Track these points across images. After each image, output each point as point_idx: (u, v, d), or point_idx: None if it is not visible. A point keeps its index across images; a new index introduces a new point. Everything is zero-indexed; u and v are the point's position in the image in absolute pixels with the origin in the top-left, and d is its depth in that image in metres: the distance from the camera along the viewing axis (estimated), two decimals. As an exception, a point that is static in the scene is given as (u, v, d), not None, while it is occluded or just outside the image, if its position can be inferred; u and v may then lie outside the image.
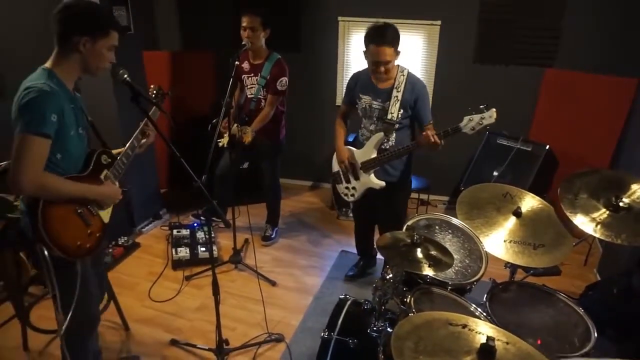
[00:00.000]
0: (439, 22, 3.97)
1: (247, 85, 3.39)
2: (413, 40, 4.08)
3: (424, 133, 2.47)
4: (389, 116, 2.65)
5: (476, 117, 2.39)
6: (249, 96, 3.40)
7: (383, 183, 2.78)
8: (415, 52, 4.13)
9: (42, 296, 2.89)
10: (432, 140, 2.41)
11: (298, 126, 4.40)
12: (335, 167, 3.00)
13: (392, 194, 2.85)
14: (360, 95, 2.76)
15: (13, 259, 2.45)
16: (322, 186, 4.89)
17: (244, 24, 3.13)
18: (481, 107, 2.40)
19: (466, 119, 2.41)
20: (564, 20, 3.67)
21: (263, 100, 3.35)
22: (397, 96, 2.62)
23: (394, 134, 2.72)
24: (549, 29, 3.74)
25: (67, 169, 1.75)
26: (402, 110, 2.65)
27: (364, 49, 2.59)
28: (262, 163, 3.59)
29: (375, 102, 2.71)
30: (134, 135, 2.03)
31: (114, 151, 2.02)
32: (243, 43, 3.13)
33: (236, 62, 3.02)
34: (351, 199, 2.95)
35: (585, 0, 3.58)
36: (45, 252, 1.69)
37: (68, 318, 1.79)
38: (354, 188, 2.90)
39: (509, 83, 3.94)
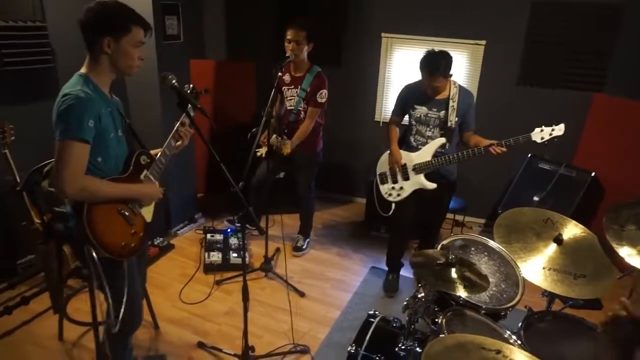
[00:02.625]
0: (483, 42, 3.92)
1: (287, 97, 3.45)
2: (456, 59, 4.02)
3: (490, 148, 2.68)
4: (449, 123, 2.86)
5: (547, 129, 2.61)
6: (288, 108, 3.45)
7: (435, 185, 2.95)
8: (458, 71, 4.08)
9: (80, 289, 3.00)
10: (499, 152, 2.68)
11: (336, 140, 4.42)
12: (382, 168, 3.16)
13: (441, 195, 3.05)
14: (415, 106, 2.96)
15: (56, 251, 2.55)
16: (356, 201, 4.87)
17: (288, 37, 3.19)
18: (554, 121, 2.63)
19: (537, 129, 2.62)
20: (614, 45, 3.55)
21: (302, 112, 3.39)
22: (453, 105, 2.85)
23: (452, 140, 2.94)
24: (598, 53, 3.62)
25: (108, 171, 1.80)
26: (457, 118, 2.87)
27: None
28: (298, 174, 3.62)
29: (431, 112, 2.92)
30: (171, 135, 2.05)
31: (153, 152, 2.06)
32: (287, 55, 3.19)
33: (279, 74, 3.08)
34: (397, 198, 3.06)
35: (637, 25, 3.46)
36: (93, 253, 1.74)
37: (121, 314, 1.85)
38: (401, 188, 3.05)
39: (553, 106, 3.83)
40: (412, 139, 3.04)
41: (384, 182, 3.14)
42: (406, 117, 3.10)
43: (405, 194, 3.03)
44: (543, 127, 2.61)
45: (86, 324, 2.70)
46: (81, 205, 1.70)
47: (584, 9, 3.54)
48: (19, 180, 2.64)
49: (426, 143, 2.96)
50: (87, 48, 1.74)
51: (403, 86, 3.08)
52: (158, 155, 2.01)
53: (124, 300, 1.84)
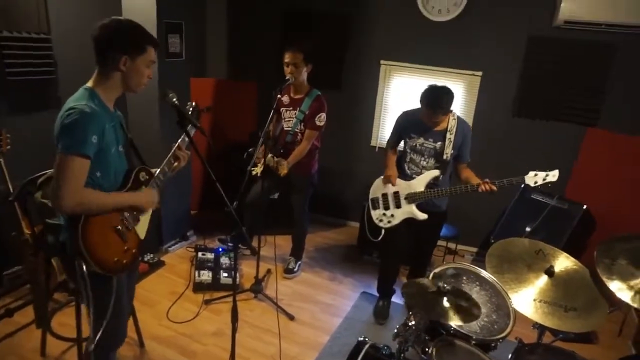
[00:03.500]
0: (480, 73, 4.00)
1: (284, 118, 3.48)
2: (453, 89, 4.10)
3: (481, 184, 2.72)
4: (445, 156, 2.87)
5: (541, 174, 2.66)
6: (285, 129, 3.48)
7: (425, 216, 2.95)
8: (454, 101, 4.14)
9: (66, 303, 2.95)
10: (488, 189, 2.72)
11: (331, 163, 4.45)
12: (374, 193, 3.15)
13: (432, 225, 3.04)
14: (412, 134, 2.97)
15: (45, 264, 2.52)
16: (349, 224, 4.87)
17: (286, 60, 3.25)
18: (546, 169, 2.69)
19: (532, 173, 2.68)
20: (608, 81, 3.64)
21: (299, 134, 3.42)
22: (450, 138, 2.86)
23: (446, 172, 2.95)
24: (593, 88, 3.70)
25: (107, 186, 1.78)
26: (453, 150, 2.88)
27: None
28: (292, 195, 3.63)
29: (427, 142, 2.93)
30: (171, 153, 2.06)
31: (153, 170, 2.06)
32: (287, 78, 3.23)
33: (278, 95, 3.12)
34: (387, 225, 3.06)
35: (632, 60, 3.55)
36: (84, 267, 1.72)
37: (100, 331, 1.81)
38: (392, 215, 3.04)
39: (547, 139, 3.90)
40: (406, 167, 3.05)
41: (375, 207, 3.13)
42: (401, 143, 3.14)
43: (395, 221, 3.03)
44: (537, 172, 2.67)
45: (70, 339, 2.65)
46: (77, 219, 1.68)
47: (579, 45, 3.63)
48: (12, 190, 2.62)
49: (420, 172, 2.97)
50: (98, 62, 1.74)
51: (401, 112, 3.10)
52: (157, 173, 2.01)
53: (107, 316, 1.81)
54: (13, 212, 2.55)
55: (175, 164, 2.08)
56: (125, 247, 1.88)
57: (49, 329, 2.65)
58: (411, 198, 2.96)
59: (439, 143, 2.89)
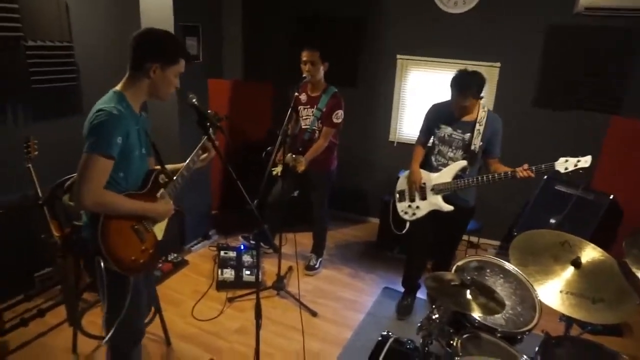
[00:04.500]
0: (498, 64, 3.95)
1: (302, 117, 3.49)
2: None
3: (518, 169, 2.60)
4: (472, 147, 2.80)
5: (572, 160, 2.53)
6: (303, 127, 3.49)
7: (451, 207, 2.89)
8: (484, 86, 4.09)
9: (95, 303, 3.02)
10: (526, 175, 2.58)
11: (349, 160, 4.44)
12: (401, 185, 3.13)
13: (457, 219, 2.98)
14: (440, 125, 2.91)
15: (74, 265, 2.59)
16: (369, 220, 4.86)
17: (304, 58, 3.26)
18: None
19: (562, 159, 2.55)
20: (630, 68, 3.54)
21: (317, 132, 3.43)
22: (479, 129, 2.79)
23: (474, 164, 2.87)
24: (614, 75, 3.61)
25: (128, 186, 1.84)
26: (481, 142, 2.80)
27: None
28: (312, 193, 3.64)
29: (455, 133, 2.87)
30: (194, 153, 2.08)
31: (173, 166, 2.10)
32: (304, 76, 3.25)
33: (295, 93, 3.14)
34: (412, 217, 3.03)
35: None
36: (102, 264, 1.77)
37: (113, 328, 1.84)
38: (417, 207, 3.01)
39: (570, 129, 3.82)
40: (433, 159, 3.00)
41: (401, 199, 3.12)
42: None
43: (420, 213, 3.00)
44: (568, 157, 2.54)
45: (100, 337, 2.71)
46: (97, 217, 1.74)
47: (599, 33, 3.55)
48: (40, 194, 2.70)
49: (447, 164, 2.91)
50: (130, 67, 1.80)
51: (430, 105, 3.05)
52: (176, 176, 2.05)
53: (122, 314, 1.83)
54: (43, 215, 2.63)
55: (205, 155, 2.11)
56: (143, 247, 1.92)
57: (79, 328, 2.72)
58: (438, 189, 2.91)
59: (468, 134, 2.81)
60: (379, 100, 4.49)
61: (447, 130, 2.89)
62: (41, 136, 2.84)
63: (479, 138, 2.79)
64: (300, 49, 3.30)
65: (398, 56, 4.28)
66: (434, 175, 2.95)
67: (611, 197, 3.45)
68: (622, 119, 3.65)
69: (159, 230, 2.04)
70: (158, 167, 2.03)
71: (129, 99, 1.80)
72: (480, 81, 2.70)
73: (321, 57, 3.26)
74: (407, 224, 3.08)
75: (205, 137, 2.04)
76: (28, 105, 3.04)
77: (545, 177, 3.74)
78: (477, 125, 2.78)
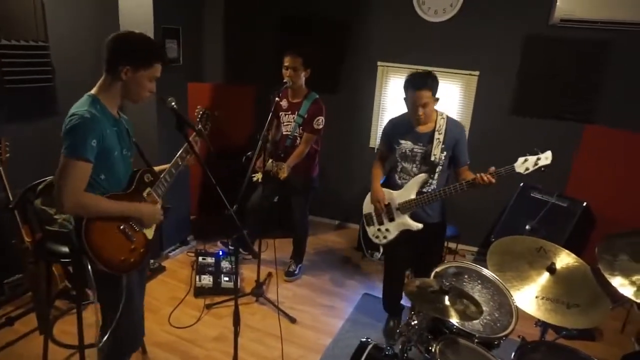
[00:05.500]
0: (477, 73, 4.02)
1: (283, 123, 3.48)
2: (450, 89, 4.13)
3: (477, 175, 2.47)
4: (432, 157, 2.66)
5: (532, 158, 2.39)
6: (284, 133, 3.48)
7: (420, 225, 2.74)
8: (451, 100, 4.17)
9: (67, 310, 2.94)
10: (486, 180, 2.43)
11: (330, 166, 4.45)
12: (367, 208, 2.97)
13: (430, 236, 2.82)
14: (400, 141, 2.77)
15: (45, 271, 2.51)
16: (349, 226, 4.87)
17: (286, 64, 3.25)
18: (535, 149, 2.42)
19: (521, 159, 2.41)
20: (605, 77, 3.65)
21: (299, 138, 3.42)
22: (439, 138, 2.65)
23: (436, 176, 2.73)
24: (589, 85, 3.72)
25: (110, 187, 1.84)
26: (444, 152, 2.67)
27: (404, 96, 2.67)
28: (293, 199, 3.62)
29: (416, 146, 2.72)
30: (179, 154, 2.09)
31: (159, 167, 2.11)
32: (284, 81, 3.24)
33: (276, 99, 3.12)
34: (383, 241, 2.88)
35: (627, 57, 3.57)
36: (89, 266, 1.76)
37: (108, 333, 1.83)
38: (387, 230, 2.86)
39: (546, 137, 3.90)
40: (396, 177, 2.84)
41: (369, 224, 2.96)
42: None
43: (391, 236, 2.83)
44: (528, 156, 2.41)
45: (72, 346, 2.64)
46: (81, 218, 1.74)
47: (574, 44, 3.65)
48: (11, 197, 2.62)
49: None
50: (105, 69, 1.80)
51: (387, 121, 2.93)
52: (163, 174, 2.05)
53: (117, 317, 1.83)
54: (13, 219, 2.55)
55: (188, 156, 2.12)
56: (132, 247, 1.90)
57: (51, 337, 2.64)
58: (403, 208, 2.76)
59: (429, 145, 2.67)
60: (360, 106, 4.51)
61: (407, 145, 2.74)
62: (14, 137, 2.76)
63: (439, 148, 2.65)
64: (283, 53, 3.30)
65: (379, 63, 4.32)
66: (397, 193, 2.80)
67: (584, 204, 3.54)
68: (595, 127, 3.75)
69: (149, 229, 2.03)
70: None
71: (103, 101, 1.80)
72: (434, 77, 2.59)
73: (304, 63, 3.25)
74: (381, 248, 2.99)
75: (182, 150, 2.05)
76: (0, 105, 2.95)
77: (522, 184, 3.82)
78: (436, 134, 2.65)
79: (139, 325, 2.10)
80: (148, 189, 1.99)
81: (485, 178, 2.43)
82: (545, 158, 2.38)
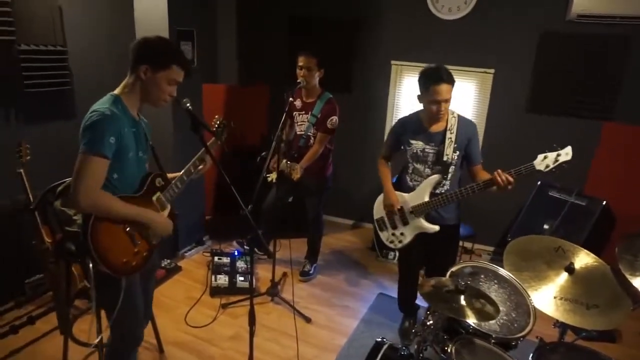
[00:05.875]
0: (492, 71, 3.97)
1: (297, 122, 3.49)
2: (465, 87, 4.09)
3: (495, 173, 2.37)
4: (445, 158, 2.59)
5: (551, 155, 2.30)
6: (298, 133, 3.49)
7: (437, 227, 2.67)
8: (466, 99, 4.13)
9: (87, 310, 2.99)
10: (504, 179, 2.33)
11: (345, 165, 4.44)
12: (378, 213, 2.91)
13: (446, 238, 2.75)
14: (411, 141, 2.70)
15: (65, 271, 2.55)
16: (364, 226, 4.86)
17: (300, 64, 3.26)
18: (554, 145, 2.34)
19: (540, 156, 2.32)
20: (623, 73, 3.58)
21: (312, 138, 3.42)
22: (451, 138, 2.58)
23: (449, 177, 2.66)
24: (607, 81, 3.64)
25: (122, 188, 1.84)
26: (456, 152, 2.61)
27: (419, 93, 2.58)
28: (307, 199, 3.63)
29: (428, 147, 2.65)
30: (192, 162, 2.10)
31: (170, 175, 2.10)
32: (298, 81, 3.25)
33: (290, 99, 3.13)
34: (399, 245, 2.81)
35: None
36: (90, 266, 1.76)
37: (110, 332, 1.85)
38: (402, 234, 2.79)
39: (563, 134, 3.83)
40: (408, 179, 2.78)
41: (382, 229, 2.90)
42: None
43: (407, 240, 2.77)
44: (547, 153, 2.32)
45: (91, 345, 2.68)
46: (89, 217, 1.74)
47: (591, 40, 3.58)
48: (32, 199, 2.67)
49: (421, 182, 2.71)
50: (129, 71, 1.84)
51: (396, 121, 2.88)
52: (174, 180, 2.06)
53: (114, 315, 1.84)
54: (34, 221, 2.60)
55: (201, 167, 2.14)
56: (136, 250, 1.90)
57: (70, 336, 2.68)
58: (417, 211, 2.69)
59: (441, 146, 2.60)
60: (374, 105, 4.50)
61: (418, 145, 2.67)
62: (34, 140, 2.82)
63: (451, 147, 2.58)
64: (296, 53, 3.31)
65: (392, 62, 4.30)
66: (409, 196, 2.73)
67: (604, 202, 3.47)
68: (614, 124, 3.68)
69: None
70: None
71: (125, 101, 1.82)
72: (449, 70, 2.50)
73: (318, 64, 3.26)
74: (397, 252, 2.97)
75: (202, 150, 2.05)
76: (21, 109, 3.01)
77: (539, 182, 3.76)
78: (448, 133, 2.57)
79: (139, 325, 2.09)
80: (158, 194, 2.00)
81: (503, 177, 2.33)
82: (566, 154, 2.29)
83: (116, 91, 1.84)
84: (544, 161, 2.31)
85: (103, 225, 1.76)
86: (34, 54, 2.96)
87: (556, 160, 2.29)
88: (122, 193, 1.83)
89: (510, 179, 2.33)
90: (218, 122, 2.25)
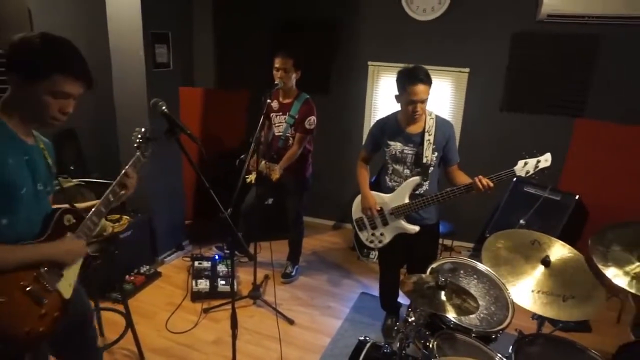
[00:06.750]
0: (467, 70, 4.04)
1: (274, 124, 3.48)
2: (441, 87, 4.15)
3: (476, 179, 2.42)
4: (424, 160, 2.61)
5: (532, 161, 2.38)
6: (276, 134, 3.48)
7: (417, 228, 2.69)
8: (442, 98, 4.19)
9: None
10: (485, 185, 2.40)
11: (324, 166, 4.45)
12: (357, 213, 2.91)
13: (426, 237, 2.77)
14: (389, 142, 2.71)
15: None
16: (345, 226, 4.87)
17: (276, 65, 3.26)
18: (534, 152, 2.42)
19: (521, 162, 2.40)
20: (593, 71, 3.69)
21: (291, 138, 3.42)
22: (429, 139, 2.60)
23: (428, 178, 2.67)
24: (578, 79, 3.75)
25: (15, 235, 1.42)
26: (435, 153, 2.63)
27: (397, 93, 2.60)
28: (287, 200, 3.62)
29: (406, 148, 2.66)
30: (110, 189, 1.71)
31: (83, 205, 1.76)
32: (275, 82, 3.24)
33: (267, 101, 3.13)
34: (379, 245, 2.83)
35: (615, 51, 3.60)
36: None
37: None
38: (382, 234, 2.80)
39: (537, 132, 3.93)
40: (387, 179, 2.78)
41: (361, 228, 2.89)
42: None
43: (386, 240, 2.79)
44: (527, 159, 2.39)
45: None
46: None
47: (563, 38, 3.68)
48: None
49: (402, 184, 2.71)
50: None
51: (374, 122, 2.89)
52: (89, 214, 1.65)
53: None
54: None
55: (122, 192, 1.74)
56: (43, 311, 1.46)
57: None
58: (398, 212, 2.70)
59: (420, 147, 2.62)
60: (352, 106, 4.52)
61: (397, 147, 2.67)
62: None
63: (430, 149, 2.60)
64: (273, 55, 3.30)
65: (369, 62, 4.33)
66: (389, 196, 2.74)
67: (577, 197, 3.56)
68: (586, 120, 3.78)
69: (66, 286, 1.58)
70: (62, 206, 1.66)
71: (7, 123, 1.43)
72: (427, 70, 2.50)
73: (294, 64, 3.26)
74: (376, 251, 2.98)
75: (122, 172, 1.73)
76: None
77: (515, 179, 3.84)
78: (427, 135, 2.59)
79: None
80: (68, 234, 1.59)
81: (484, 182, 2.39)
82: (545, 160, 2.38)
83: None
84: (525, 167, 2.39)
85: None
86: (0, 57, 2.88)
87: (536, 167, 2.38)
88: (17, 241, 1.42)
89: (491, 184, 2.41)
90: (139, 137, 1.81)
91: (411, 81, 2.48)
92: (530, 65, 3.84)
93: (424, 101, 2.53)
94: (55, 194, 1.71)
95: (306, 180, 3.58)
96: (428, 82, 2.50)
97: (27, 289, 1.41)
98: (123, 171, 1.72)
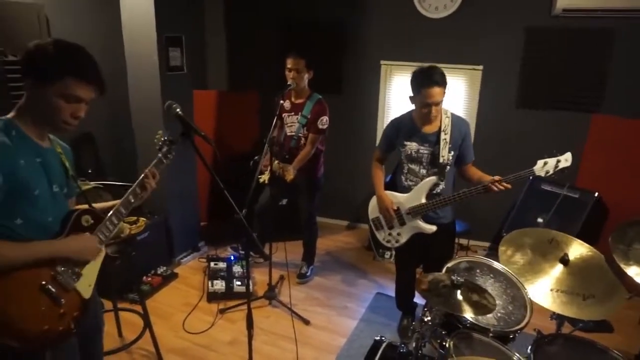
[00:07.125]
0: (480, 67, 4.00)
1: (287, 124, 3.49)
2: (454, 84, 4.11)
3: (492, 185, 2.41)
4: (441, 159, 2.58)
5: (551, 161, 2.34)
6: (289, 134, 3.49)
7: (434, 227, 2.66)
8: (456, 96, 4.15)
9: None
10: (502, 188, 2.40)
11: (337, 166, 4.45)
12: (374, 212, 2.89)
13: (443, 236, 2.74)
14: (405, 142, 2.68)
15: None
16: (359, 226, 4.86)
17: (288, 65, 3.27)
18: (554, 151, 2.38)
19: (540, 162, 2.36)
20: (610, 66, 3.62)
21: (303, 139, 3.43)
22: (445, 139, 2.56)
23: (445, 177, 2.65)
24: (595, 74, 3.68)
25: (32, 235, 1.44)
26: (452, 152, 2.60)
27: (411, 94, 2.57)
28: (299, 200, 3.63)
29: (422, 147, 2.63)
30: (131, 189, 1.73)
31: (102, 205, 1.76)
32: (288, 83, 3.25)
33: (280, 101, 3.14)
34: (395, 245, 2.81)
35: (632, 45, 3.53)
36: None
37: None
38: (399, 234, 2.78)
39: (553, 128, 3.87)
40: (403, 179, 2.76)
41: (378, 228, 2.87)
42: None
43: (403, 239, 2.77)
44: (547, 158, 2.34)
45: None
46: None
47: (578, 34, 3.62)
48: None
49: (418, 183, 2.68)
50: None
51: (389, 122, 2.85)
52: (109, 214, 1.66)
53: None
54: None
55: (142, 193, 1.77)
56: (61, 311, 1.47)
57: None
58: (414, 212, 2.67)
59: (436, 147, 2.59)
60: (364, 105, 4.51)
61: (412, 146, 2.65)
62: None
63: (446, 149, 2.57)
64: (285, 56, 3.31)
65: (382, 62, 4.32)
66: (405, 197, 2.71)
67: (596, 194, 3.50)
68: (603, 116, 3.71)
69: (86, 286, 1.58)
70: (81, 206, 1.67)
71: (22, 125, 1.45)
72: (442, 71, 2.46)
73: (306, 65, 3.27)
74: (393, 251, 2.96)
75: (143, 174, 1.75)
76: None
77: (530, 177, 3.78)
78: (442, 134, 2.55)
79: None
80: (86, 234, 1.60)
81: (501, 187, 2.40)
82: (565, 160, 2.33)
83: (11, 114, 1.47)
84: (544, 167, 2.35)
85: (7, 284, 1.34)
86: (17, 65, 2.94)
87: (556, 167, 2.33)
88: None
89: (508, 186, 2.39)
90: (162, 140, 1.84)
91: (426, 83, 2.44)
92: (545, 61, 3.78)
93: (438, 103, 2.49)
94: (77, 197, 1.74)
95: (318, 180, 3.58)
96: (443, 83, 2.46)
97: (45, 288, 1.43)
98: (145, 171, 1.74)
